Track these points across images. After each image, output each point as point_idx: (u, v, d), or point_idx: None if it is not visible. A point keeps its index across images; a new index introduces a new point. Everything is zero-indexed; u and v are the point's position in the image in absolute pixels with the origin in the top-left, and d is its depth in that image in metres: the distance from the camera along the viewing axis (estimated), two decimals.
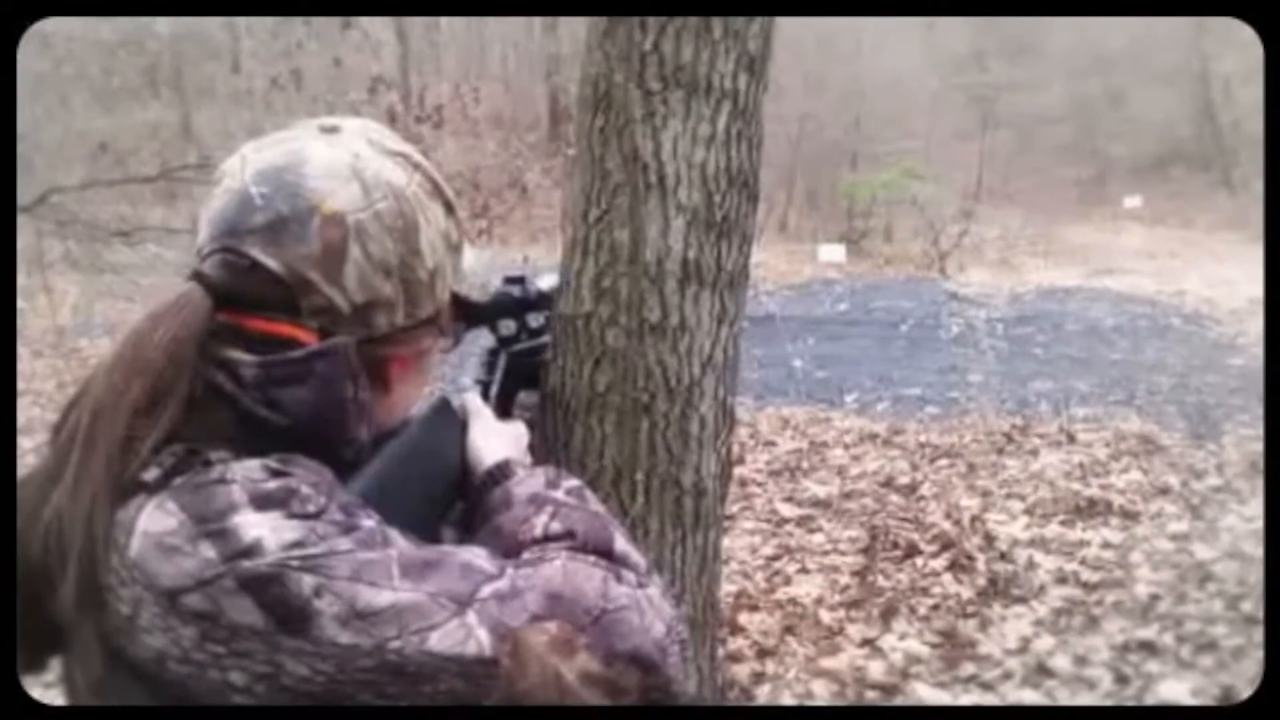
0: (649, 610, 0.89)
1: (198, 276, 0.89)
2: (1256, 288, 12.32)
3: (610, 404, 1.37)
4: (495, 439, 1.12)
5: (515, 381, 1.36)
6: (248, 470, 0.82)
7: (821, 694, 3.48)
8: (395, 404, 1.02)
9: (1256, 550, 4.30)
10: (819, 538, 4.77)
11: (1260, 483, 5.13)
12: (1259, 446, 5.67)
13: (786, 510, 5.12)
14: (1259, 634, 3.62)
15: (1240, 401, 6.91)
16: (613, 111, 1.36)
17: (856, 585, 4.18)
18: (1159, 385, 7.49)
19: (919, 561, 4.35)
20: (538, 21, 13.62)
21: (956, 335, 9.17)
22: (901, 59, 20.46)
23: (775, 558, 4.57)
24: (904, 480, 5.43)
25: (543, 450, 1.40)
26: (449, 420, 1.11)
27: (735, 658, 3.71)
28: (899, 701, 3.46)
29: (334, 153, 0.93)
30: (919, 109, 20.42)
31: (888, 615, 3.95)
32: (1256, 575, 4.05)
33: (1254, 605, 3.82)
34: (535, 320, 1.39)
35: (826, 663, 3.63)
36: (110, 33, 9.10)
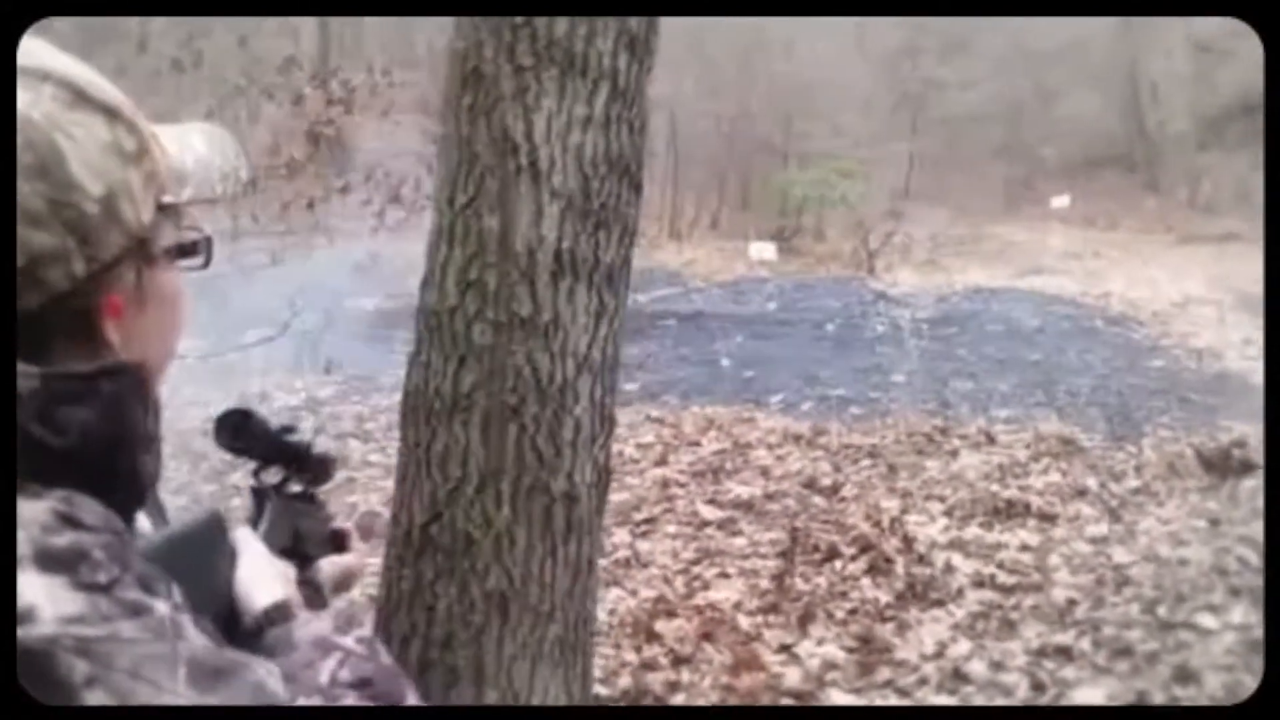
0: None
1: None
2: (1179, 290, 12.65)
3: (476, 405, 1.30)
4: (267, 576, 1.02)
5: (286, 525, 1.19)
6: (37, 515, 0.72)
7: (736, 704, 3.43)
8: (141, 349, 0.86)
9: (1173, 553, 4.35)
10: (740, 541, 4.74)
11: (1178, 484, 5.20)
12: (1178, 448, 5.75)
13: (708, 513, 5.09)
14: (1173, 638, 3.64)
15: (1161, 404, 7.02)
16: (481, 88, 1.28)
17: (775, 590, 4.13)
18: (1080, 387, 7.58)
19: (838, 564, 4.33)
20: None
21: (881, 335, 9.25)
22: (833, 57, 20.60)
23: (695, 562, 4.52)
24: (826, 481, 5.43)
25: (402, 456, 1.33)
26: (219, 540, 1.00)
27: (650, 666, 3.65)
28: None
29: None
30: (851, 107, 20.60)
31: (805, 620, 3.92)
32: (1172, 579, 4.08)
33: (1169, 610, 3.84)
34: (296, 485, 1.21)
35: (744, 680, 3.56)
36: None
